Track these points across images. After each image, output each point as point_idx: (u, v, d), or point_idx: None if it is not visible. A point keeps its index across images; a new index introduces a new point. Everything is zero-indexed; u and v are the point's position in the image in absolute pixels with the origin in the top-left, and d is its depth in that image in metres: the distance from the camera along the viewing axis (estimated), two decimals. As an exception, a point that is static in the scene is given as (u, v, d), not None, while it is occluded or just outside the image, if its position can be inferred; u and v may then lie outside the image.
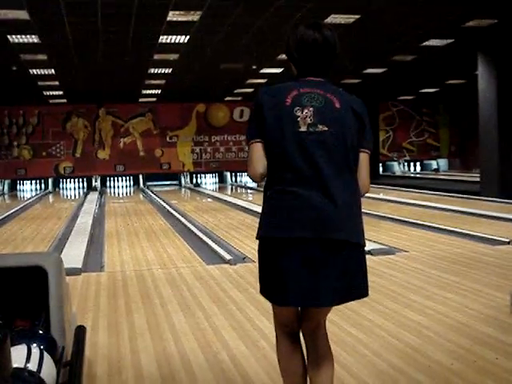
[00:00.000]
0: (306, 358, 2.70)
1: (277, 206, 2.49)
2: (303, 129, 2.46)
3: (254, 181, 2.63)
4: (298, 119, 2.46)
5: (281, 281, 2.46)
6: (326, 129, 2.47)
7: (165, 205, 15.10)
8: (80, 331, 3.27)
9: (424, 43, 14.41)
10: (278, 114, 2.48)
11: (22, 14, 10.54)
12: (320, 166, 2.43)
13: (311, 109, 2.48)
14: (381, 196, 16.18)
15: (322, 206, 2.42)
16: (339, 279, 2.45)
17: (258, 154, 2.53)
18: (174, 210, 13.51)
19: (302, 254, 2.41)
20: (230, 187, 23.72)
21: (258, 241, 2.63)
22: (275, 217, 2.48)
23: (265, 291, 2.60)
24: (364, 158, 2.60)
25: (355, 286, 2.54)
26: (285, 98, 2.49)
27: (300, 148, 2.44)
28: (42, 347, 2.57)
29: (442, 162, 27.80)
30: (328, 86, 2.59)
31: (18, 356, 2.33)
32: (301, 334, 2.75)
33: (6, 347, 1.65)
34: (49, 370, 2.43)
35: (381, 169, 25.25)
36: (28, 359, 2.39)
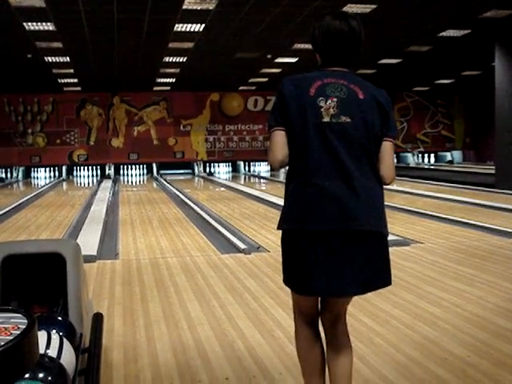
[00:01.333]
0: (325, 348, 2.71)
1: (300, 198, 2.48)
2: (326, 119, 2.46)
3: (272, 168, 2.64)
4: (322, 110, 2.46)
5: (306, 271, 2.47)
6: (349, 120, 2.47)
7: (178, 193, 15.12)
8: (97, 318, 3.28)
9: (440, 34, 14.30)
10: (302, 103, 2.48)
11: (38, 2, 10.56)
12: (342, 158, 2.44)
13: (335, 99, 2.48)
14: (395, 187, 16.12)
15: (344, 197, 2.43)
16: (363, 269, 2.47)
17: (279, 142, 2.52)
18: (188, 198, 13.53)
19: (326, 244, 2.43)
20: (243, 176, 23.71)
21: (280, 232, 2.63)
22: (298, 209, 2.48)
23: (289, 282, 2.60)
24: (388, 146, 2.58)
25: (379, 275, 2.57)
26: (309, 88, 2.50)
27: (322, 139, 2.45)
28: (61, 334, 2.58)
29: (457, 154, 27.63)
30: (352, 77, 2.59)
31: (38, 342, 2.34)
32: (320, 325, 2.74)
33: (34, 334, 1.65)
34: (68, 357, 2.44)
35: (395, 160, 25.12)
36: (48, 345, 2.40)
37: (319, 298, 2.67)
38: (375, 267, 2.52)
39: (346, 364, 2.65)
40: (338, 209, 2.42)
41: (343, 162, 2.44)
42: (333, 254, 2.43)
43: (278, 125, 2.52)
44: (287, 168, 2.58)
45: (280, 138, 2.51)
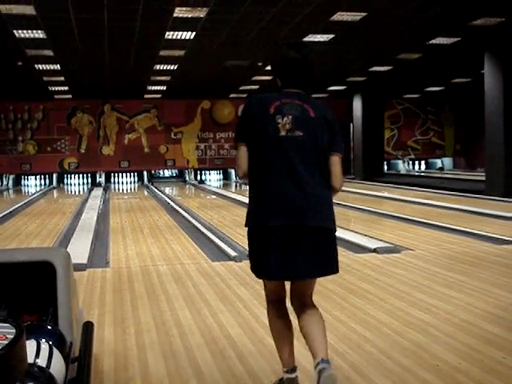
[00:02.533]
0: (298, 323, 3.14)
1: (260, 200, 2.97)
2: (283, 133, 2.94)
3: (240, 178, 3.12)
4: (279, 125, 2.94)
5: (265, 259, 2.96)
6: (301, 134, 2.95)
7: (169, 201, 15.10)
8: (88, 327, 3.27)
9: (430, 41, 14.37)
10: (263, 120, 2.95)
11: (29, 9, 10.54)
12: (295, 166, 2.92)
13: (290, 117, 2.95)
14: (385, 194, 16.16)
15: (296, 198, 2.90)
16: (312, 256, 2.94)
17: (242, 157, 3.01)
18: (179, 206, 13.52)
19: (281, 237, 2.89)
20: (234, 184, 23.71)
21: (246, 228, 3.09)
22: (260, 209, 2.96)
23: (253, 269, 3.11)
24: (335, 160, 3.05)
25: (327, 263, 3.03)
26: (269, 107, 2.97)
27: (279, 150, 2.93)
28: (50, 343, 2.56)
29: (447, 161, 27.75)
30: (305, 97, 3.04)
31: (27, 351, 2.33)
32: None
33: (22, 344, 1.65)
34: (58, 366, 2.43)
35: (385, 167, 25.20)
36: (37, 354, 2.39)
37: (287, 286, 3.17)
38: (324, 256, 2.99)
39: (320, 326, 3.05)
40: (291, 208, 2.89)
41: (296, 170, 2.92)
42: (286, 244, 2.90)
43: (241, 140, 3.00)
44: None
45: (243, 153, 3.00)
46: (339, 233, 8.77)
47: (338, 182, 3.08)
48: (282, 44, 3.10)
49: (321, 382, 2.77)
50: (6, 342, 1.63)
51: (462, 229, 9.01)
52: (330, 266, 3.06)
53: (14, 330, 1.70)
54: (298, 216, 2.89)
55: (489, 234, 8.42)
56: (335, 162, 3.05)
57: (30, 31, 12.22)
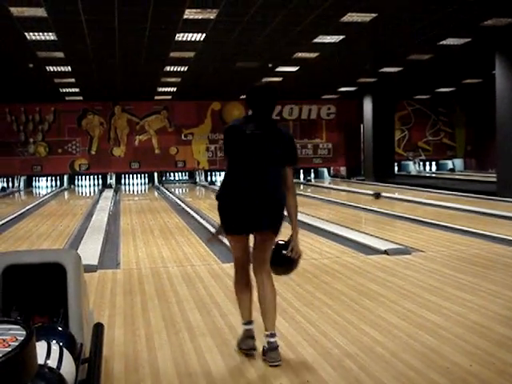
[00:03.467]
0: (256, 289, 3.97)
1: (230, 191, 3.90)
2: (253, 148, 3.86)
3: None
4: (251, 142, 3.86)
5: (234, 221, 3.87)
6: (267, 150, 3.87)
7: (180, 202, 15.13)
8: (98, 328, 3.27)
9: (441, 42, 14.32)
10: (239, 139, 3.89)
11: (40, 12, 10.59)
12: (260, 173, 3.85)
13: (258, 136, 3.87)
14: (396, 195, 16.12)
15: (255, 191, 3.83)
16: (268, 217, 3.84)
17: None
18: (189, 207, 13.53)
19: (245, 209, 3.81)
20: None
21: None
22: (229, 195, 3.88)
23: (226, 230, 3.93)
24: (290, 171, 3.96)
25: (276, 223, 3.87)
26: (243, 128, 3.90)
27: (249, 160, 3.86)
28: (61, 344, 2.57)
29: (458, 162, 27.64)
30: (270, 121, 3.99)
31: (38, 352, 2.33)
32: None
33: (32, 345, 1.65)
34: (68, 367, 2.43)
35: (396, 168, 25.11)
36: (48, 356, 2.39)
37: (251, 250, 3.99)
38: (275, 218, 3.86)
39: (272, 292, 3.90)
40: (252, 192, 3.83)
41: (260, 176, 3.85)
42: (249, 212, 3.82)
43: (225, 153, 4.03)
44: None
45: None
46: (350, 234, 8.75)
47: (291, 185, 3.97)
48: (252, 85, 4.15)
49: (267, 352, 3.74)
50: (16, 343, 1.63)
51: (474, 230, 8.97)
52: (278, 224, 3.89)
53: (24, 332, 1.70)
54: (257, 197, 3.85)
55: (501, 236, 8.38)
56: (289, 172, 3.95)
57: (41, 33, 12.28)
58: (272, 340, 3.73)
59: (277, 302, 3.92)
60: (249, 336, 3.91)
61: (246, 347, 3.89)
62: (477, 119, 26.34)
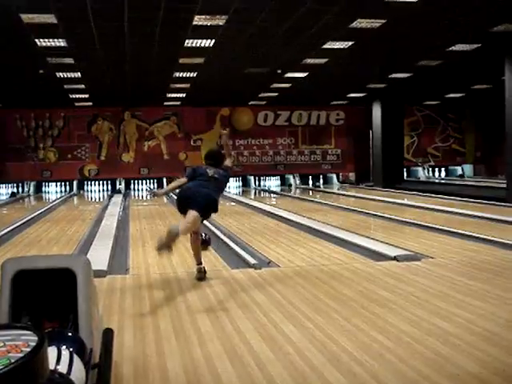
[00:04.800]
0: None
1: (183, 189, 6.57)
2: (210, 174, 6.63)
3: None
4: (208, 172, 6.65)
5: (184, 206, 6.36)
6: (216, 175, 6.67)
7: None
8: (108, 334, 3.28)
9: (450, 48, 14.30)
10: (201, 174, 6.65)
11: (50, 18, 10.65)
12: (209, 184, 6.53)
13: (213, 171, 6.68)
14: (405, 201, 16.08)
15: (199, 190, 6.41)
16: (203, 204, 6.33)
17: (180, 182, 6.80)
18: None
19: (191, 200, 6.27)
20: (253, 191, 23.73)
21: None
22: (183, 193, 6.49)
23: (180, 212, 6.45)
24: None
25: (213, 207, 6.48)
26: (205, 170, 6.69)
27: (206, 178, 6.60)
28: (71, 349, 2.57)
29: (468, 168, 27.56)
30: (218, 168, 6.78)
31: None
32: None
33: (44, 351, 1.66)
34: (78, 372, 2.43)
35: (405, 174, 25.07)
36: (58, 361, 2.40)
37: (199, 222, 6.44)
38: (211, 204, 6.43)
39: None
40: (196, 194, 6.35)
41: (207, 185, 6.49)
42: (191, 200, 6.29)
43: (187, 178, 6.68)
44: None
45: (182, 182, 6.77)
46: (359, 240, 8.73)
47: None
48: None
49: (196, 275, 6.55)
50: (28, 349, 1.64)
51: (484, 237, 8.93)
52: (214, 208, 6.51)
53: (35, 338, 1.71)
54: (199, 198, 6.32)
55: (511, 242, 8.33)
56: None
57: (51, 40, 12.35)
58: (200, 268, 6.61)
59: (285, 308, 3.93)
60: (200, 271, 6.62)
61: (198, 277, 6.52)
62: (486, 125, 26.28)
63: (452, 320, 4.67)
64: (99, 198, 21.86)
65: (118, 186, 24.10)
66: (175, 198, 6.89)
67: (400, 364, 3.73)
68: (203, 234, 7.76)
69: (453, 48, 14.32)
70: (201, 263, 6.64)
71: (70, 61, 14.58)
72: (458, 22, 11.84)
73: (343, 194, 20.67)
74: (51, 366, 2.29)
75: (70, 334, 2.83)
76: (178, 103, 23.48)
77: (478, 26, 12.31)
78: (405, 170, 25.04)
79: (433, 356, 3.87)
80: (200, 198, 6.21)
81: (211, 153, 7.19)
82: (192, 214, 6.08)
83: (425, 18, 11.50)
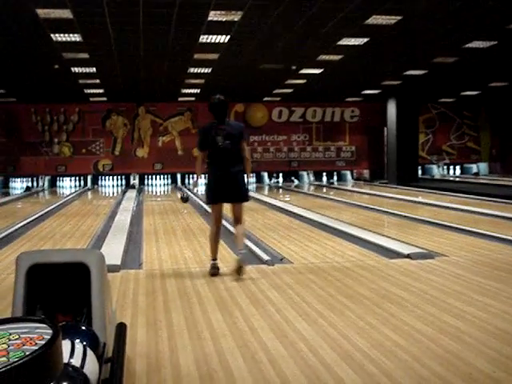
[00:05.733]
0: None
1: (211, 177, 6.59)
2: (220, 144, 6.41)
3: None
4: (217, 140, 6.42)
5: (215, 194, 6.56)
6: (228, 142, 6.42)
7: (202, 204, 15.15)
8: (121, 328, 3.29)
9: (467, 45, 14.20)
10: (209, 138, 6.44)
11: (66, 13, 10.69)
12: (227, 161, 6.46)
13: (222, 134, 6.42)
14: (420, 199, 16.01)
15: (226, 176, 6.48)
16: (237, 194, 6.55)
17: (199, 158, 6.71)
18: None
19: (223, 188, 6.49)
20: (267, 187, 23.72)
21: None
22: (211, 181, 6.60)
23: (209, 202, 6.69)
24: (243, 146, 6.54)
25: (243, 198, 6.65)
26: (211, 131, 6.48)
27: (219, 153, 6.44)
28: (84, 343, 2.59)
29: (483, 166, 27.39)
30: (227, 122, 6.52)
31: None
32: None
33: (59, 344, 1.67)
34: (92, 366, 2.45)
35: (420, 171, 24.94)
36: (72, 354, 2.41)
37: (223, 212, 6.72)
38: (242, 194, 6.63)
39: (242, 230, 6.66)
40: (224, 178, 6.51)
41: (227, 164, 6.46)
42: (226, 189, 6.49)
43: (201, 149, 6.58)
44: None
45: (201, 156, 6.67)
46: (373, 238, 8.71)
47: (248, 162, 6.62)
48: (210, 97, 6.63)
49: (239, 258, 6.37)
50: (43, 342, 1.65)
51: (499, 235, 8.88)
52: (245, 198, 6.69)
53: (50, 331, 1.72)
54: (227, 181, 6.50)
55: (525, 241, 8.29)
56: (243, 148, 6.54)
57: (66, 35, 12.39)
58: (242, 251, 6.45)
59: (298, 305, 3.93)
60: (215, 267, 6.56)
61: (212, 272, 6.47)
62: (502, 123, 26.09)
63: (465, 318, 4.65)
64: (113, 193, 21.94)
65: (132, 181, 24.17)
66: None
67: (412, 362, 3.72)
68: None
69: (469, 45, 14.21)
70: (216, 259, 6.60)
71: (85, 56, 14.63)
72: (475, 18, 11.75)
73: (357, 191, 20.62)
74: (65, 360, 2.31)
75: (83, 328, 2.85)
76: (193, 99, 23.49)
77: (495, 23, 12.21)
78: (419, 167, 24.92)
79: (445, 354, 3.85)
80: (231, 187, 6.46)
81: (213, 105, 6.56)
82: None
83: (441, 14, 11.43)
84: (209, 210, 6.97)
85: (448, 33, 13.00)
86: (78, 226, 11.07)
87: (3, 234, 9.79)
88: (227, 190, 6.45)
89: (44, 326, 1.78)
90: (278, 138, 25.52)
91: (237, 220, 6.64)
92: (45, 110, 23.94)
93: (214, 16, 11.07)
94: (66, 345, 2.45)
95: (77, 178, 24.34)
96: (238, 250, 6.44)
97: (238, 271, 6.31)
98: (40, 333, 1.72)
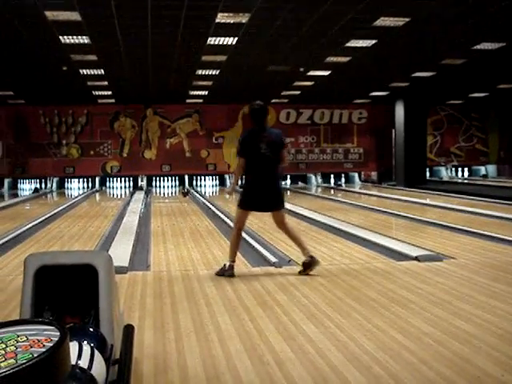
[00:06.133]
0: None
1: (251, 184, 6.62)
2: (263, 151, 6.42)
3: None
4: (260, 147, 6.43)
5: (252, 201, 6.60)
6: (270, 150, 6.44)
7: (210, 206, 15.17)
8: (128, 330, 3.30)
9: (475, 47, 14.16)
10: (252, 145, 6.46)
11: (74, 15, 10.73)
12: (268, 168, 6.50)
13: (265, 142, 6.45)
14: (427, 201, 15.98)
15: (266, 184, 6.52)
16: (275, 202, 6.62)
17: (240, 164, 6.60)
18: (220, 211, 13.56)
19: (262, 197, 6.55)
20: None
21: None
22: (251, 188, 6.64)
23: (244, 207, 6.60)
24: (284, 155, 6.63)
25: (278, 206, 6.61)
26: (254, 138, 6.49)
27: (261, 160, 6.45)
28: (92, 345, 2.59)
29: (491, 168, 27.30)
30: (268, 129, 6.67)
31: (69, 353, 2.36)
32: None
33: (66, 346, 1.67)
34: (99, 368, 2.45)
35: (428, 173, 24.89)
36: (79, 356, 2.42)
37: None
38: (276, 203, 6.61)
39: (294, 231, 6.81)
40: (264, 191, 6.56)
41: (268, 171, 6.48)
42: (265, 198, 6.55)
43: (241, 155, 6.52)
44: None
45: (241, 162, 6.56)
46: (380, 240, 8.69)
47: (284, 167, 6.72)
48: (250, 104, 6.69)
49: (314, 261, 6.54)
50: (50, 344, 1.66)
51: (507, 237, 8.84)
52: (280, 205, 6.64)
53: (58, 333, 1.73)
54: (267, 195, 6.55)
55: (534, 244, 8.25)
56: (284, 153, 6.65)
57: (75, 37, 12.44)
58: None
59: (306, 307, 3.92)
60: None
61: (228, 275, 6.44)
62: (511, 125, 25.98)
63: (473, 321, 4.64)
64: (121, 195, 21.99)
65: (139, 183, 24.22)
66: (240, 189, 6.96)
67: (420, 365, 3.71)
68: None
69: (477, 46, 14.18)
70: (234, 261, 6.59)
71: (93, 58, 14.68)
72: (483, 20, 11.72)
73: (365, 193, 20.59)
74: (73, 361, 2.32)
75: (91, 330, 2.85)
76: (201, 101, 23.53)
77: (504, 25, 12.18)
78: (427, 169, 24.87)
79: (453, 357, 3.84)
80: (269, 196, 6.55)
81: (255, 112, 6.57)
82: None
83: (449, 16, 11.41)
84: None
85: (456, 34, 12.98)
86: (85, 228, 11.10)
87: (11, 236, 9.83)
88: (265, 198, 6.51)
89: (52, 328, 1.78)
90: (285, 140, 25.46)
91: (281, 224, 6.66)
92: (53, 112, 24.02)
93: (221, 18, 11.09)
94: (73, 346, 2.46)
95: (85, 180, 24.42)
96: (307, 254, 6.54)
97: (309, 269, 6.52)
98: (48, 335, 1.73)
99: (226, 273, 6.46)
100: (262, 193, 6.47)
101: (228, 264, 6.55)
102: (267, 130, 6.61)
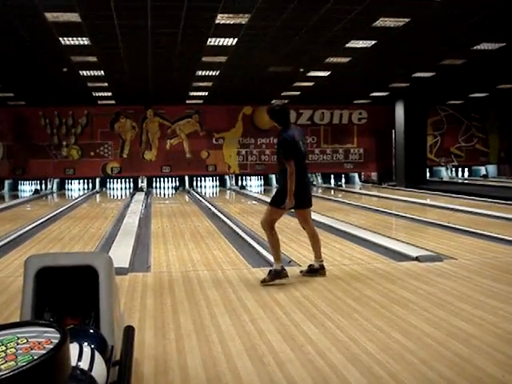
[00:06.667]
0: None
1: (300, 184, 6.26)
2: (303, 149, 6.43)
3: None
4: (301, 146, 6.39)
5: (304, 199, 6.46)
6: (304, 148, 6.47)
7: (210, 207, 15.17)
8: (129, 331, 3.30)
9: (475, 47, 14.16)
10: (297, 146, 6.33)
11: (74, 17, 10.73)
12: (306, 165, 6.48)
13: (302, 140, 6.45)
14: (428, 201, 15.97)
15: (309, 182, 6.81)
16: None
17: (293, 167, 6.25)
18: (220, 212, 13.57)
19: (309, 194, 6.65)
20: (275, 190, 23.66)
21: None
22: (300, 187, 6.29)
23: (299, 206, 6.39)
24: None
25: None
26: (296, 137, 6.35)
27: (303, 158, 6.41)
28: (92, 346, 2.60)
29: (491, 168, 27.29)
30: (297, 128, 6.68)
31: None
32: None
33: (66, 348, 1.67)
34: (100, 369, 2.45)
35: (428, 174, 24.88)
36: (80, 358, 2.42)
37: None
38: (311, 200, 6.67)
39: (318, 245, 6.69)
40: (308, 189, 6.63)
41: (307, 169, 6.50)
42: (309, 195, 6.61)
43: (293, 158, 6.23)
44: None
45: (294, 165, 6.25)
46: (381, 240, 8.68)
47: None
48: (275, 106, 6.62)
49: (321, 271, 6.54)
50: (51, 346, 1.66)
51: (507, 238, 8.84)
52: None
53: (58, 335, 1.73)
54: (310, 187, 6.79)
55: (534, 244, 8.25)
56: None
57: (75, 38, 12.44)
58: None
59: (306, 307, 3.91)
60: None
61: (284, 276, 6.21)
62: (511, 125, 25.98)
63: (474, 322, 4.64)
64: (121, 196, 21.99)
65: (140, 184, 24.22)
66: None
67: (421, 365, 3.71)
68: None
69: (477, 47, 14.17)
70: (281, 261, 6.37)
71: (93, 59, 14.67)
72: (483, 20, 11.71)
73: (365, 194, 20.59)
74: (73, 363, 2.32)
75: (91, 331, 2.85)
76: (201, 101, 23.52)
77: (504, 25, 12.17)
78: (428, 169, 24.86)
79: (454, 358, 3.84)
80: (311, 194, 6.73)
81: (284, 111, 6.50)
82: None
83: (449, 16, 11.40)
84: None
85: (456, 35, 12.97)
86: (86, 229, 11.10)
87: (12, 237, 9.83)
88: (310, 195, 6.59)
89: (52, 330, 1.79)
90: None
91: (307, 223, 6.64)
92: (53, 113, 24.02)
93: (221, 19, 11.09)
94: (74, 348, 2.46)
95: (85, 181, 24.42)
96: (319, 261, 6.61)
97: (313, 274, 6.51)
98: (48, 337, 1.73)
99: (282, 274, 6.20)
100: (308, 189, 6.54)
101: (279, 266, 6.24)
102: (294, 128, 6.58)
